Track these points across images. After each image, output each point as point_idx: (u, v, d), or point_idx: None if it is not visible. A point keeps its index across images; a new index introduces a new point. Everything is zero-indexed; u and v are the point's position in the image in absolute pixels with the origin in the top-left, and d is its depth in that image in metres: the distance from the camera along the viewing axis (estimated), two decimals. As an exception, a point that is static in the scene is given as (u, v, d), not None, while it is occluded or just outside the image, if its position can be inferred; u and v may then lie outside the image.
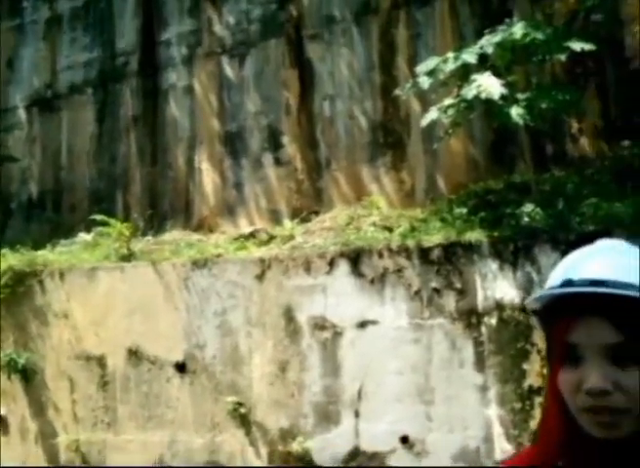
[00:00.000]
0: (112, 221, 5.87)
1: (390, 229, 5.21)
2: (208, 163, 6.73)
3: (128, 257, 5.64)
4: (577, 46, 4.71)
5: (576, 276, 0.91)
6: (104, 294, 5.48)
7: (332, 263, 5.00)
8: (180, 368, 5.23)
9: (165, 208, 6.80)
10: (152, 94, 7.10)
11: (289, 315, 5.03)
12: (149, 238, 6.13)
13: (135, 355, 5.30)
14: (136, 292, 5.41)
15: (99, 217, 5.92)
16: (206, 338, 5.21)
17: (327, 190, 6.28)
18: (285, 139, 6.48)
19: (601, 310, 0.86)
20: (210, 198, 6.62)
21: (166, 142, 6.99)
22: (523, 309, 3.51)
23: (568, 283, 0.90)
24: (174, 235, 6.05)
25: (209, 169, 6.72)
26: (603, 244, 0.97)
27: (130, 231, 5.80)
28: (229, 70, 6.82)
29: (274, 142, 6.53)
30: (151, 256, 5.58)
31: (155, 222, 6.56)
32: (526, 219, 4.70)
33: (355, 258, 4.95)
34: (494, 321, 4.50)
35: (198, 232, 6.19)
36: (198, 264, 5.40)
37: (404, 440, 4.50)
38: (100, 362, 5.41)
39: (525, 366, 4.33)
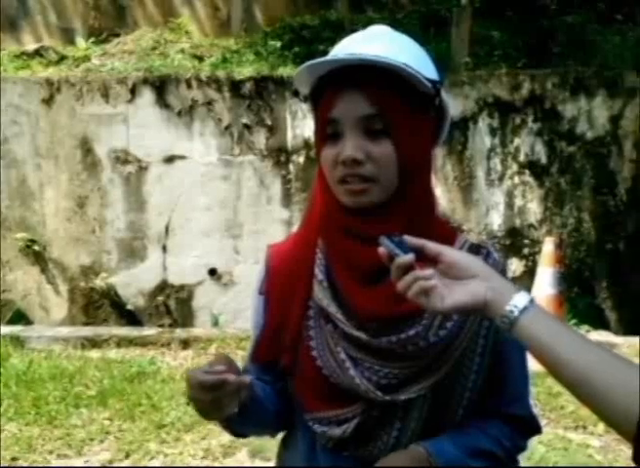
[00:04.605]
0: None
1: (201, 58, 4.84)
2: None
3: None
4: None
5: (341, 53, 0.92)
6: None
7: (134, 91, 4.56)
8: (-44, 203, 4.60)
9: None
10: None
11: (85, 147, 4.60)
12: None
13: None
14: None
15: None
16: (-15, 169, 4.59)
17: (130, 9, 5.50)
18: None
19: (359, 83, 0.89)
20: (-18, 6, 5.41)
21: None
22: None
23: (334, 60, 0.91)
24: None
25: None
26: (375, 28, 0.99)
27: None
28: None
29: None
30: None
31: None
32: (337, 58, 4.69)
33: (160, 87, 4.57)
34: (302, 159, 4.62)
35: (-31, 46, 5.10)
36: (-32, 82, 4.55)
37: (212, 272, 4.64)
38: None
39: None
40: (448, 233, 0.99)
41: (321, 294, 0.96)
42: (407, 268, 0.79)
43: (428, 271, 0.78)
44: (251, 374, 1.06)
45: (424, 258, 0.80)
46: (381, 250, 0.81)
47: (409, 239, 0.80)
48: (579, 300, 4.56)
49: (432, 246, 0.80)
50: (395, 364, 0.92)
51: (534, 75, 4.64)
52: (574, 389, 0.71)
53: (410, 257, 0.79)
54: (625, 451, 2.88)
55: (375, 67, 0.87)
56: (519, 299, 0.75)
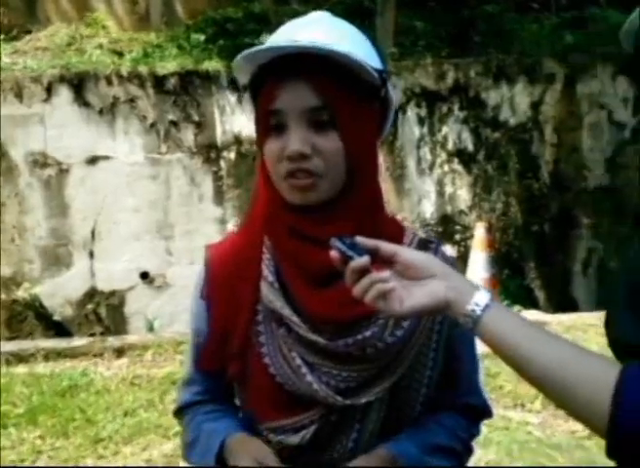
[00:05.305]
0: None
1: (121, 54, 4.64)
2: None
3: None
4: None
5: (283, 40, 0.86)
6: None
7: (50, 89, 4.32)
8: None
9: None
10: None
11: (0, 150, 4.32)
12: None
13: None
14: None
15: None
16: None
17: (41, 4, 5.20)
18: None
19: (303, 73, 0.84)
20: None
21: None
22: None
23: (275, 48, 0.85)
24: None
25: None
26: (315, 14, 0.95)
27: None
28: None
29: None
30: None
31: None
32: (264, 50, 4.62)
33: (78, 85, 4.34)
34: (232, 155, 4.52)
35: None
36: None
37: (144, 275, 4.48)
38: None
39: (260, 197, 4.52)
40: (396, 229, 0.96)
41: (272, 297, 0.90)
42: (362, 271, 0.75)
43: (385, 273, 0.75)
44: (196, 385, 1.01)
45: (379, 260, 0.76)
46: (333, 253, 0.76)
47: (362, 240, 0.76)
48: (509, 282, 4.70)
49: (387, 246, 0.77)
50: (354, 367, 0.89)
51: (457, 64, 4.73)
52: (539, 384, 0.70)
53: (365, 260, 0.75)
54: (562, 425, 3.00)
55: (318, 56, 0.82)
56: (480, 297, 0.74)
